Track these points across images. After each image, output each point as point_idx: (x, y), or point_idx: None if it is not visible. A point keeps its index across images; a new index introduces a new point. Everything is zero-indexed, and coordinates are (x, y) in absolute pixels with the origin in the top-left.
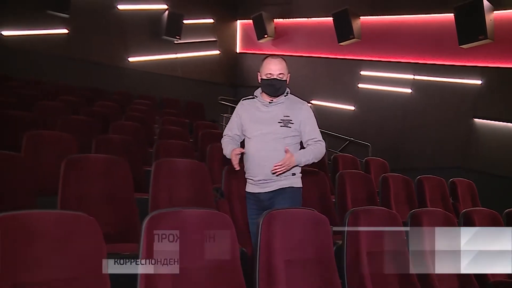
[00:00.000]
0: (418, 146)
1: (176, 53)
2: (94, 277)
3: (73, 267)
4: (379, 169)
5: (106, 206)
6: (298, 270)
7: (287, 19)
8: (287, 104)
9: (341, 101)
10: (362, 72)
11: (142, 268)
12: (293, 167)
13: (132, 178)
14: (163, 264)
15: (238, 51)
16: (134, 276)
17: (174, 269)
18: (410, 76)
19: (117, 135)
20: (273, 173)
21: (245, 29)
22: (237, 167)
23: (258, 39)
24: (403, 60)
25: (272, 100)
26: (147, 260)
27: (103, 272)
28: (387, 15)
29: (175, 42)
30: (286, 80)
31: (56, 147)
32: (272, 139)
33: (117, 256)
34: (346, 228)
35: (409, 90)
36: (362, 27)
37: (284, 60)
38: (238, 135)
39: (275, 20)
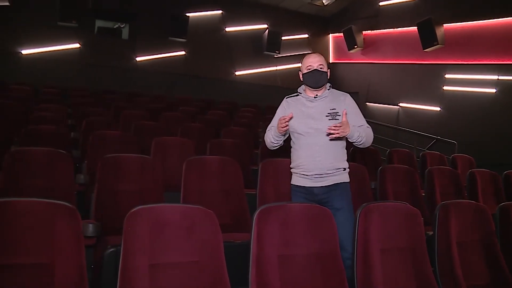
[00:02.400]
0: (504, 143)
1: (276, 66)
2: (213, 261)
3: (195, 252)
4: (466, 165)
5: (221, 200)
6: (392, 258)
7: (375, 31)
8: (331, 98)
9: (427, 103)
10: (447, 75)
11: (253, 253)
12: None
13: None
14: (271, 250)
15: (330, 61)
16: (246, 261)
17: (281, 255)
18: (495, 77)
19: (227, 139)
20: (328, 134)
21: (336, 42)
22: (284, 125)
23: (349, 50)
24: (487, 62)
25: (316, 95)
26: (258, 247)
27: (220, 256)
28: (469, 21)
29: (275, 56)
30: (326, 73)
31: (177, 150)
32: (323, 133)
33: (231, 243)
34: (437, 220)
35: (493, 90)
36: (445, 33)
37: (323, 56)
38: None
39: (363, 32)
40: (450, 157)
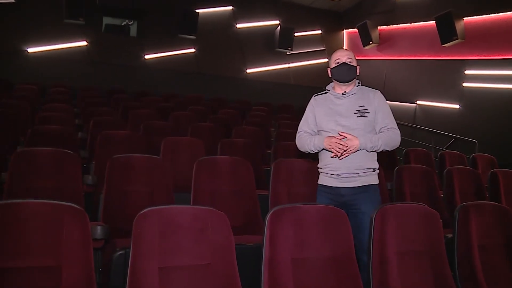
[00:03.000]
0: None
1: (288, 63)
2: (225, 264)
3: (206, 255)
4: (487, 165)
5: (232, 202)
6: (410, 262)
7: (391, 26)
8: (360, 95)
9: (445, 100)
10: (467, 71)
11: (266, 256)
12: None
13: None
14: (284, 253)
15: None
16: (258, 264)
17: (294, 258)
18: None
19: (239, 138)
20: (332, 157)
21: (351, 38)
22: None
23: (364, 46)
24: (510, 57)
25: (345, 92)
26: (270, 250)
27: (232, 260)
28: (491, 13)
29: (287, 53)
30: (355, 67)
31: (188, 150)
32: (351, 131)
33: (243, 246)
34: (456, 222)
35: None
36: (465, 27)
37: (352, 52)
38: (315, 132)
39: (379, 27)
40: (470, 157)
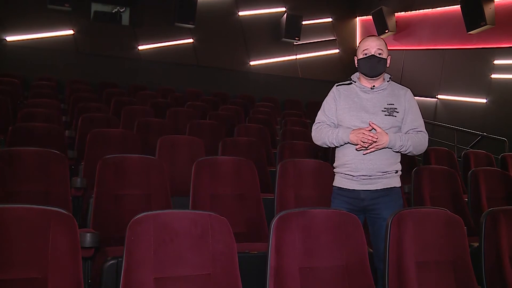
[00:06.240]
0: None
1: (296, 55)
2: (226, 274)
3: (207, 264)
4: None
5: (235, 206)
6: (430, 273)
7: (409, 12)
8: (390, 91)
9: (470, 94)
10: (496, 61)
11: (271, 265)
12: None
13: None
14: (291, 262)
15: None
16: (263, 274)
17: (302, 268)
18: None
19: (242, 137)
20: (358, 150)
21: (365, 26)
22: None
23: (379, 35)
24: None
25: (373, 86)
26: (276, 258)
27: (235, 269)
28: None
29: (295, 43)
30: (386, 60)
31: (186, 150)
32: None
33: (247, 255)
34: (483, 229)
35: None
36: (496, 10)
37: (384, 40)
38: (335, 124)
39: (396, 13)
40: (499, 157)
